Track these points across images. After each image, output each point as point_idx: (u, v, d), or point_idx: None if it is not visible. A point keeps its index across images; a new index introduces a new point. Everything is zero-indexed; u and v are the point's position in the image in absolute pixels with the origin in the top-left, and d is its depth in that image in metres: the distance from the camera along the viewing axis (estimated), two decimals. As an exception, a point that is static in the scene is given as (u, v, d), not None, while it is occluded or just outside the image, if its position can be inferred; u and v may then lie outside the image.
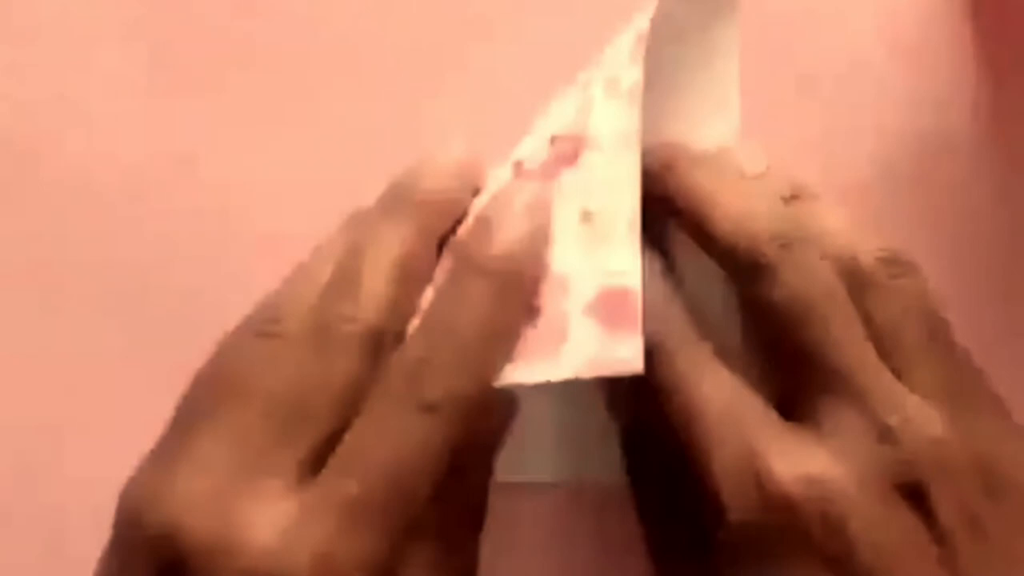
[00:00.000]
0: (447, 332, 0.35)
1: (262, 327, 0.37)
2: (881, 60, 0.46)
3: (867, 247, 0.37)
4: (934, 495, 0.34)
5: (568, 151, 0.38)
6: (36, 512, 0.46)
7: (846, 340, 0.36)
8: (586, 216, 0.37)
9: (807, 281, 0.36)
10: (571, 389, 0.39)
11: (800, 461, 0.35)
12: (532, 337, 0.36)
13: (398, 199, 0.38)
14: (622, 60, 0.38)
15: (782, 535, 0.35)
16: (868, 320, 0.37)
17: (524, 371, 0.36)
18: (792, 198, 0.39)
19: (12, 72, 0.47)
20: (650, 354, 0.36)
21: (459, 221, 0.38)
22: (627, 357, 0.35)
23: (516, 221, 0.37)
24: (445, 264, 0.38)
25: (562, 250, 0.37)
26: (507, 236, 0.36)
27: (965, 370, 0.37)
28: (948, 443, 0.35)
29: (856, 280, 0.37)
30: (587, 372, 0.36)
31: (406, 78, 0.47)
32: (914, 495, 0.35)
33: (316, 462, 0.35)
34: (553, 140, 0.39)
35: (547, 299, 0.37)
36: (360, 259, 0.37)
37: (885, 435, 0.35)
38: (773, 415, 0.37)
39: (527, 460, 0.43)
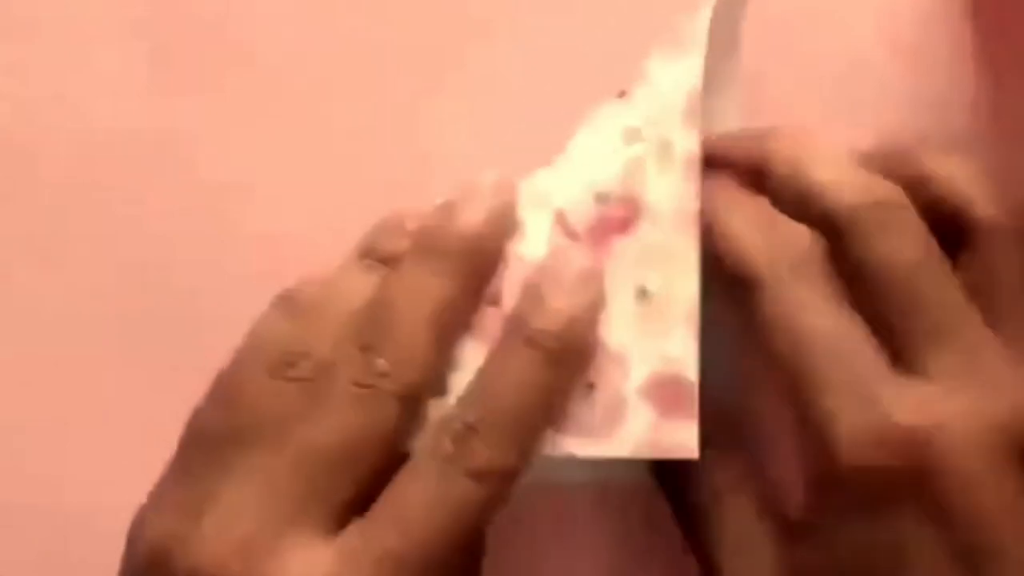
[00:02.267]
0: (499, 405, 0.36)
1: (283, 370, 0.37)
2: (881, 60, 0.46)
3: (968, 200, 0.37)
4: None
5: (619, 217, 0.39)
6: (35, 513, 0.46)
7: (952, 297, 0.36)
8: (642, 294, 0.38)
9: (908, 240, 0.36)
10: None
11: (920, 411, 0.34)
12: (586, 411, 0.38)
13: (432, 246, 0.38)
14: (673, 119, 0.39)
15: (893, 483, 0.34)
16: (966, 273, 0.37)
17: (577, 444, 0.37)
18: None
19: (12, 72, 0.47)
20: (753, 288, 0.36)
21: (494, 266, 0.38)
22: (684, 442, 0.37)
23: (569, 294, 0.37)
24: (486, 321, 0.38)
25: (617, 326, 0.38)
26: (560, 310, 0.36)
27: None
28: None
29: (955, 232, 0.37)
30: (642, 454, 0.37)
31: (405, 77, 0.47)
32: None
33: (349, 513, 0.35)
34: (600, 199, 0.39)
35: (601, 375, 0.38)
36: (395, 310, 0.37)
37: (999, 392, 0.34)
38: (884, 361, 0.36)
39: (552, 461, 0.43)
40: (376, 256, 0.39)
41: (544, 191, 0.39)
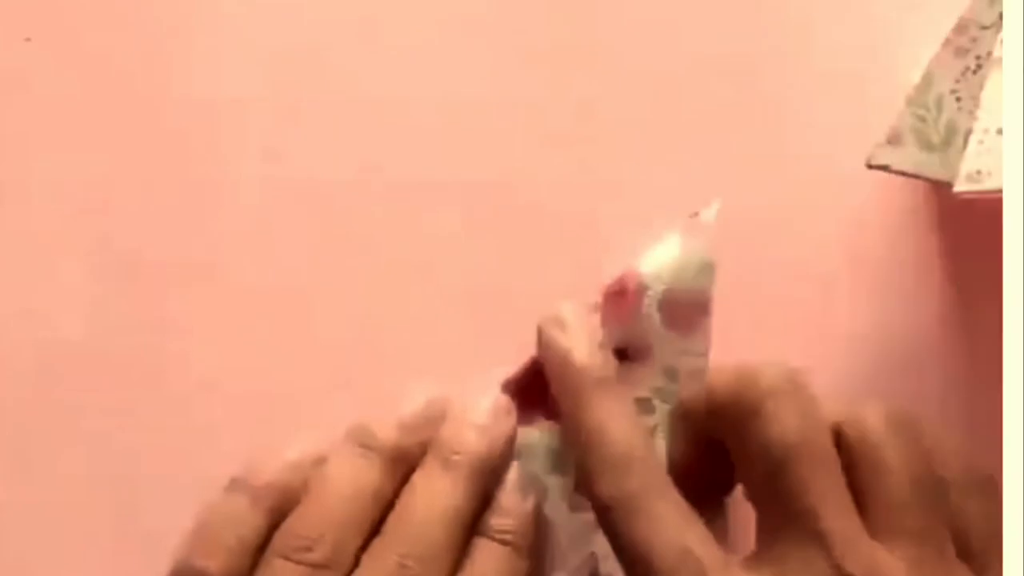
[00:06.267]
0: None
1: (301, 553, 0.39)
2: (846, 275, 0.46)
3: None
4: None
5: None
6: None
7: (820, 483, 0.37)
8: None
9: (794, 424, 0.38)
10: None
11: None
12: None
13: (449, 458, 0.41)
14: (676, 398, 0.42)
15: None
16: (850, 469, 0.38)
17: None
18: None
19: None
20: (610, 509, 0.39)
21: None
22: None
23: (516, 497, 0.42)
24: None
25: None
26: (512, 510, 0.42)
27: (939, 534, 0.38)
28: None
29: (846, 433, 0.39)
30: None
31: (373, 291, 0.47)
32: None
33: None
34: None
35: None
36: (421, 516, 0.40)
37: None
38: (732, 561, 0.38)
39: None
40: (366, 443, 0.41)
41: (563, 457, 0.42)
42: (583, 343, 0.41)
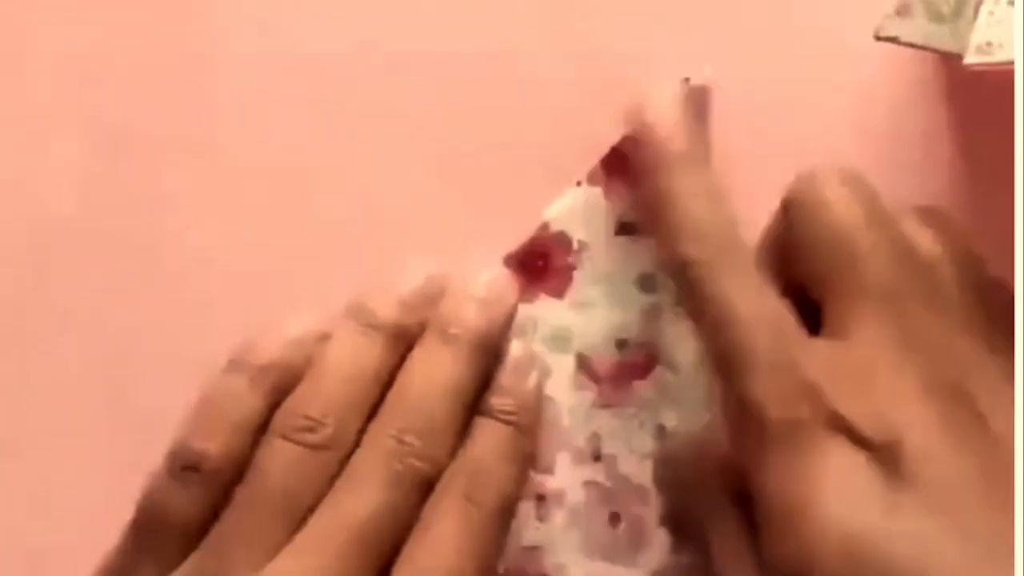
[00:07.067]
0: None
1: (302, 434, 0.39)
2: (854, 149, 0.45)
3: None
4: (982, 398, 0.35)
5: (638, 363, 0.43)
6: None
7: (886, 253, 0.37)
8: (660, 431, 0.42)
9: (860, 203, 0.38)
10: None
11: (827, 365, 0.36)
12: (611, 540, 0.42)
13: (448, 331, 0.41)
14: None
15: (824, 427, 0.35)
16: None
17: (604, 570, 0.42)
18: None
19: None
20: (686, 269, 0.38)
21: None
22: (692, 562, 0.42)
23: (519, 378, 0.42)
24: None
25: (638, 461, 0.42)
26: (514, 390, 0.42)
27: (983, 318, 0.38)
28: (983, 356, 0.36)
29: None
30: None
31: (374, 167, 0.46)
32: (959, 397, 0.35)
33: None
34: (620, 344, 0.43)
35: (625, 506, 0.42)
36: (423, 393, 0.40)
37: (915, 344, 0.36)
38: (802, 331, 0.37)
39: None
40: (367, 322, 0.41)
41: (565, 334, 0.42)
42: (668, 119, 0.40)
